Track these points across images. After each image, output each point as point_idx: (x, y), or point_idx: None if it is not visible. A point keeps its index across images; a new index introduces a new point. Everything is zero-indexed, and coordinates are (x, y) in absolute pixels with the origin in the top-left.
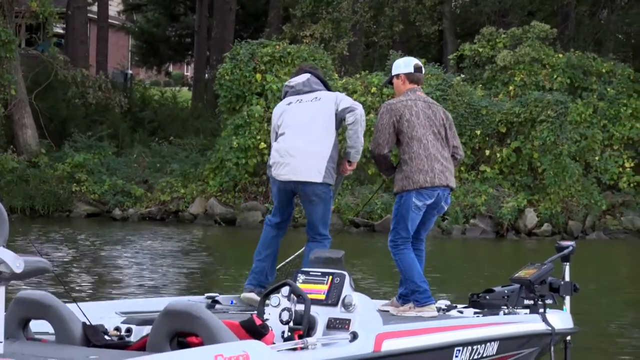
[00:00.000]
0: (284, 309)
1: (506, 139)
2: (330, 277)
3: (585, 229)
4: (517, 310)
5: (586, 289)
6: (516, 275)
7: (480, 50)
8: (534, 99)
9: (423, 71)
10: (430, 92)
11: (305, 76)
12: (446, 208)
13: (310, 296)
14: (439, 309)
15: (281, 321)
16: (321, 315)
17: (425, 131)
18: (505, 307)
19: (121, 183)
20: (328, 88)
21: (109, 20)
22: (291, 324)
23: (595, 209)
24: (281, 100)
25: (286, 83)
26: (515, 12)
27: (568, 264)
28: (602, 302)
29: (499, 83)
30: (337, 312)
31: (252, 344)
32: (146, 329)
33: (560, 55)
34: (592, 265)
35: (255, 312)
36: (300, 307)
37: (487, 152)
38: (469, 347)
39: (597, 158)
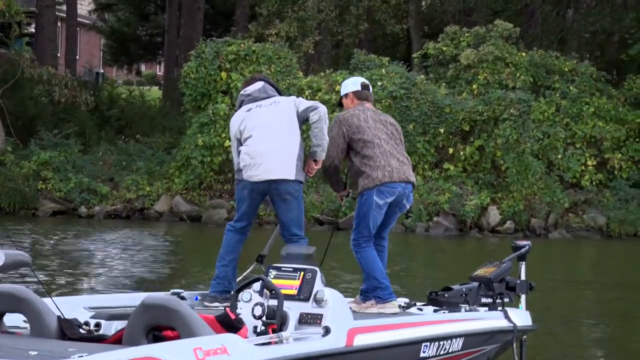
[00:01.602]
0: (256, 304)
1: (469, 137)
2: (302, 272)
3: (548, 226)
4: (477, 308)
5: (546, 286)
6: (475, 273)
7: (444, 49)
8: (497, 98)
9: (371, 89)
10: (394, 90)
11: (259, 84)
12: (408, 206)
13: (282, 291)
14: (398, 307)
15: (254, 316)
16: (293, 310)
17: (377, 132)
18: (465, 305)
19: (87, 181)
20: (281, 95)
21: (81, 20)
22: (264, 318)
23: (558, 206)
24: (236, 110)
25: (241, 92)
26: (479, 11)
27: (524, 263)
28: (560, 298)
29: (463, 82)
30: (308, 307)
31: (230, 338)
32: (115, 324)
33: (523, 54)
34: (554, 263)
35: (228, 306)
36: (273, 302)
37: (451, 150)
38: (436, 343)
39: (559, 156)
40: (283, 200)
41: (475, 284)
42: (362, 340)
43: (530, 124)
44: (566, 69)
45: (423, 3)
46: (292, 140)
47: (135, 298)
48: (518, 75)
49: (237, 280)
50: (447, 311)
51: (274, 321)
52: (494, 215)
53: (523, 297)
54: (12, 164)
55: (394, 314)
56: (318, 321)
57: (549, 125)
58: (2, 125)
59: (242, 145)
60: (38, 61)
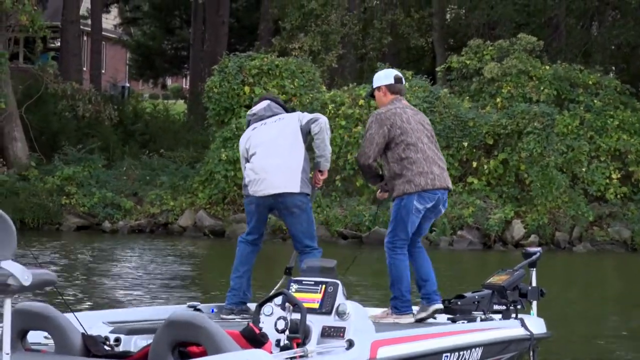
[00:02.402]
0: (279, 318)
1: (493, 151)
2: (324, 286)
3: (572, 240)
4: (492, 316)
5: (565, 297)
6: (488, 281)
7: (468, 62)
8: (520, 111)
9: (404, 82)
10: (418, 104)
11: (265, 102)
12: (443, 211)
13: (303, 305)
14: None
15: (277, 330)
16: (315, 323)
17: (420, 135)
18: (481, 313)
19: (111, 196)
20: (287, 111)
21: (107, 34)
22: (287, 332)
23: (583, 220)
24: (245, 130)
25: (248, 113)
26: (503, 24)
27: (535, 269)
28: (577, 311)
29: (486, 95)
30: (331, 321)
31: (256, 353)
32: (134, 339)
33: (547, 67)
34: (579, 276)
35: (245, 318)
36: (296, 315)
37: (474, 163)
38: (456, 353)
39: (584, 169)
40: (291, 214)
41: (487, 291)
42: (385, 353)
43: (554, 138)
44: (590, 82)
45: (448, 16)
46: (296, 154)
47: (154, 312)
48: (542, 88)
49: (270, 294)
50: (465, 321)
51: (298, 335)
52: (518, 229)
53: (534, 303)
54: (36, 179)
55: (410, 325)
56: (341, 334)
57: (573, 139)
58: (25, 140)
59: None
60: (63, 76)
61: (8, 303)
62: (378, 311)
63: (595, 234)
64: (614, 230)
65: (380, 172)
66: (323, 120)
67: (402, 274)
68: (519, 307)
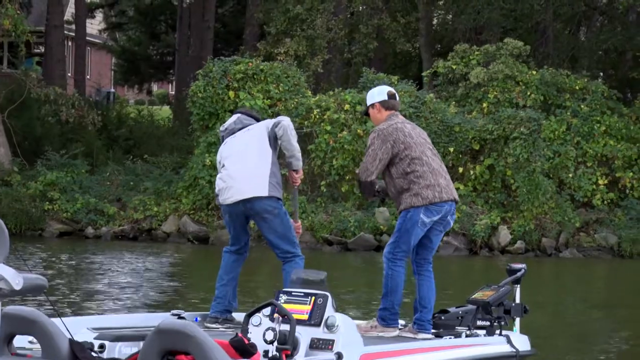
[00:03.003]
0: (268, 329)
1: (479, 156)
2: (313, 297)
3: (559, 246)
4: (477, 332)
5: (553, 305)
6: (473, 296)
7: (454, 67)
8: (507, 116)
9: (397, 98)
10: (404, 109)
11: (235, 116)
12: (452, 223)
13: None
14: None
15: (265, 340)
16: (304, 335)
17: (423, 149)
18: (466, 329)
19: (94, 201)
20: (259, 121)
21: (92, 39)
22: (276, 343)
23: (569, 226)
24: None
25: (220, 129)
26: (490, 29)
27: (519, 286)
28: (565, 318)
29: (473, 100)
30: (319, 333)
31: None
32: (119, 345)
33: (534, 72)
34: (565, 282)
35: (230, 327)
36: (284, 327)
37: (461, 169)
38: None
39: (570, 175)
40: (263, 220)
41: (471, 307)
42: None
43: (540, 143)
44: (577, 88)
45: (435, 21)
46: (263, 160)
47: (138, 319)
48: (528, 93)
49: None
50: (453, 336)
51: (287, 347)
52: (504, 234)
53: (517, 320)
54: (18, 185)
55: (394, 338)
56: (330, 347)
57: (560, 144)
58: (8, 146)
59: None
60: (47, 81)
61: None
62: (361, 322)
63: (582, 240)
64: (601, 237)
65: (377, 187)
66: (285, 121)
67: (397, 287)
68: (502, 323)
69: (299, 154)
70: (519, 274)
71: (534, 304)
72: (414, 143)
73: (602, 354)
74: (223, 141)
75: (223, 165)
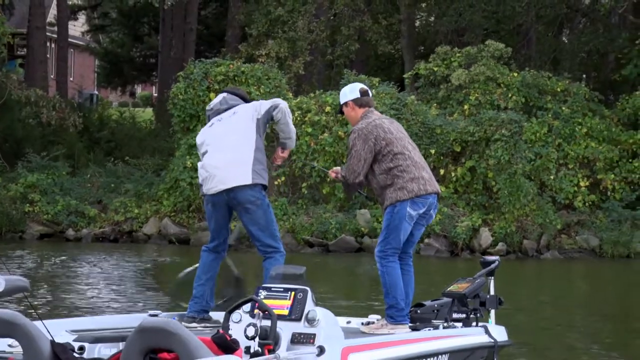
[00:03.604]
0: (249, 325)
1: (461, 158)
2: (293, 292)
3: (540, 248)
4: (455, 325)
5: (533, 306)
6: (448, 289)
7: (435, 69)
8: (488, 118)
9: (370, 94)
10: (385, 111)
11: (220, 96)
12: (434, 216)
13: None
14: (369, 323)
15: (246, 336)
16: (285, 330)
17: (404, 143)
18: (443, 321)
19: (75, 203)
20: (247, 101)
21: (75, 41)
22: (257, 339)
23: (550, 228)
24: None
25: (207, 107)
26: (472, 31)
27: (493, 278)
28: (543, 319)
29: (454, 102)
30: (300, 327)
31: (230, 359)
32: (98, 347)
33: (515, 74)
34: (545, 284)
35: (208, 326)
36: (265, 322)
37: (442, 171)
38: (424, 359)
39: (552, 177)
40: (246, 210)
41: (447, 299)
42: (356, 359)
43: (522, 145)
44: (558, 89)
45: (417, 23)
46: (247, 147)
47: (116, 321)
48: (510, 95)
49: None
50: (431, 328)
51: (270, 341)
52: (485, 237)
53: (493, 312)
54: None
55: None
56: (311, 341)
57: (541, 146)
58: None
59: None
60: (29, 83)
61: None
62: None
63: (564, 242)
64: (582, 239)
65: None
66: (283, 105)
67: (396, 282)
68: (478, 315)
69: (294, 136)
70: (492, 265)
71: (515, 304)
72: (395, 138)
73: (585, 353)
74: (209, 120)
75: (205, 152)
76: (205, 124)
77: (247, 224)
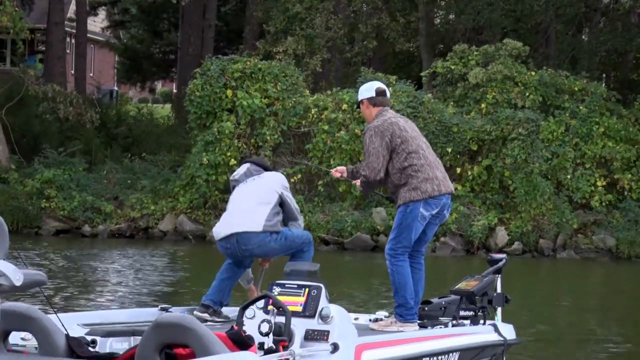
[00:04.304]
0: (263, 321)
1: (477, 157)
2: (307, 289)
3: (557, 247)
4: (463, 322)
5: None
6: (456, 287)
7: (453, 67)
8: (505, 117)
9: (388, 94)
10: (401, 109)
11: (244, 167)
12: (447, 215)
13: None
14: (377, 320)
15: (260, 333)
16: (298, 326)
17: (419, 142)
18: (451, 319)
19: (91, 199)
20: (268, 170)
21: (95, 37)
22: (271, 335)
23: (567, 227)
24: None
25: (230, 178)
26: (490, 30)
27: (499, 276)
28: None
29: (471, 100)
30: (314, 324)
31: (246, 356)
32: (110, 341)
33: (533, 73)
34: (561, 284)
35: (219, 320)
36: (279, 319)
37: (458, 169)
38: (435, 357)
39: (568, 176)
40: (263, 259)
41: (454, 297)
42: (369, 356)
43: (538, 144)
44: (576, 89)
45: (437, 21)
46: (264, 206)
47: (128, 314)
48: (527, 94)
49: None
50: (442, 326)
51: (284, 338)
52: (501, 235)
53: (499, 309)
54: (15, 182)
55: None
56: (325, 337)
57: (558, 145)
58: (6, 143)
59: None
60: (47, 78)
61: None
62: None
63: (580, 241)
64: (599, 238)
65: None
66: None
67: (406, 281)
68: (486, 313)
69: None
70: (500, 264)
71: (529, 303)
72: (410, 137)
73: (598, 354)
74: (233, 190)
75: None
76: (220, 121)
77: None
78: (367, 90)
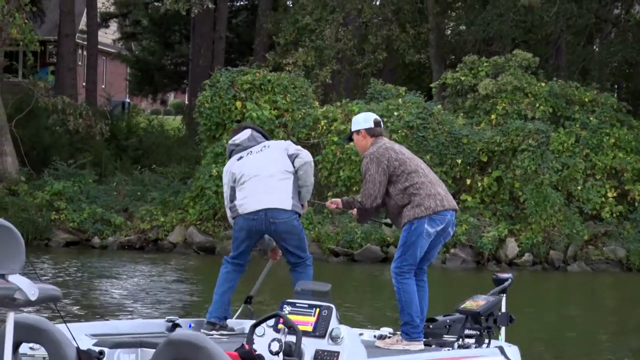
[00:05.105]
0: (273, 340)
1: (487, 168)
2: (318, 309)
3: (567, 259)
4: (468, 343)
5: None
6: (462, 306)
7: (463, 78)
8: (515, 128)
9: (382, 125)
10: (411, 120)
11: (247, 132)
12: (452, 233)
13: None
14: (382, 336)
15: (270, 351)
16: (308, 346)
17: (417, 162)
18: (455, 338)
19: (100, 211)
20: (268, 139)
21: (107, 49)
22: (281, 354)
23: (577, 239)
24: (227, 159)
25: (230, 142)
26: (500, 41)
27: (505, 295)
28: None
29: (481, 112)
30: (324, 344)
31: None
32: (118, 352)
33: (543, 84)
34: (572, 296)
35: (245, 342)
36: (290, 338)
37: (468, 181)
38: None
39: (579, 188)
40: (283, 240)
41: (459, 315)
42: None
43: (549, 155)
44: (586, 100)
45: (449, 32)
46: (286, 179)
47: (136, 326)
48: (537, 105)
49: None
50: (450, 349)
51: (295, 358)
52: (512, 247)
53: (503, 329)
54: (25, 194)
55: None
56: (335, 358)
57: (569, 156)
58: (16, 155)
59: (236, 190)
60: (58, 90)
61: (11, 317)
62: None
63: (590, 253)
64: (609, 250)
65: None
66: (304, 154)
67: (411, 299)
68: (491, 333)
69: (312, 187)
70: (506, 283)
71: (540, 315)
72: (407, 158)
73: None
74: (232, 154)
75: (243, 182)
76: (228, 132)
77: (281, 245)
78: (365, 121)
